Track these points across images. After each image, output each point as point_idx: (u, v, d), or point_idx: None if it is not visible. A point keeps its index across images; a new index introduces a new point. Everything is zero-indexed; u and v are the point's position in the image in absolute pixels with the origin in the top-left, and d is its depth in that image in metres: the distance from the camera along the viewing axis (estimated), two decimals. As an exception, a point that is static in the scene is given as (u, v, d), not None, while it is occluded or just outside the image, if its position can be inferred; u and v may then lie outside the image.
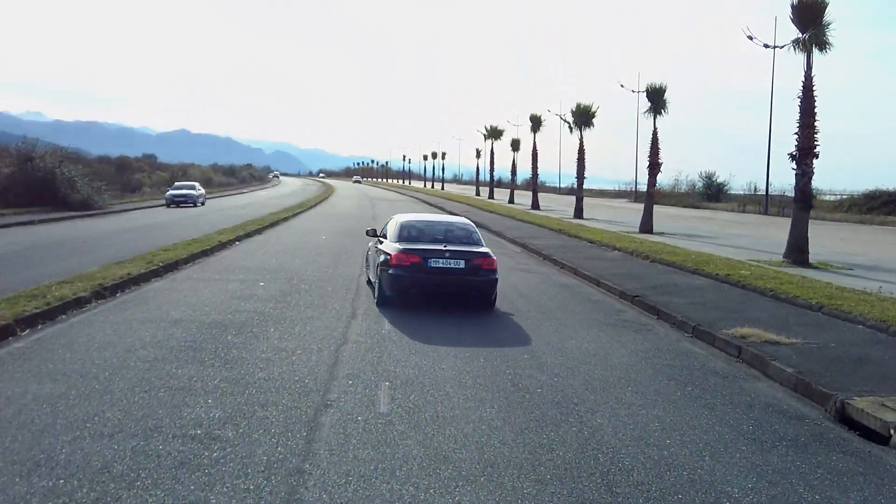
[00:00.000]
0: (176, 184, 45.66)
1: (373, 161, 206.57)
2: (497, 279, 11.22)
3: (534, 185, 46.71)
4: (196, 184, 45.29)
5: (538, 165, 46.56)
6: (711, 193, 70.14)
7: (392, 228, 12.01)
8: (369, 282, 12.93)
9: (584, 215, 36.64)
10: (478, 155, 77.78)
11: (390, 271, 10.85)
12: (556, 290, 14.16)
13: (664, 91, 25.76)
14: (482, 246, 11.55)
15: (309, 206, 43.84)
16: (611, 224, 32.95)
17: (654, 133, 26.01)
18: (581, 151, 36.32)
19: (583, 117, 35.47)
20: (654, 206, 28.06)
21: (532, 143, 46.13)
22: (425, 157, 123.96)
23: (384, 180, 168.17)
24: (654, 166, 26.04)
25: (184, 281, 13.55)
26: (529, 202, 48.34)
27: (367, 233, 13.44)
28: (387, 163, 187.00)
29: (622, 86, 70.72)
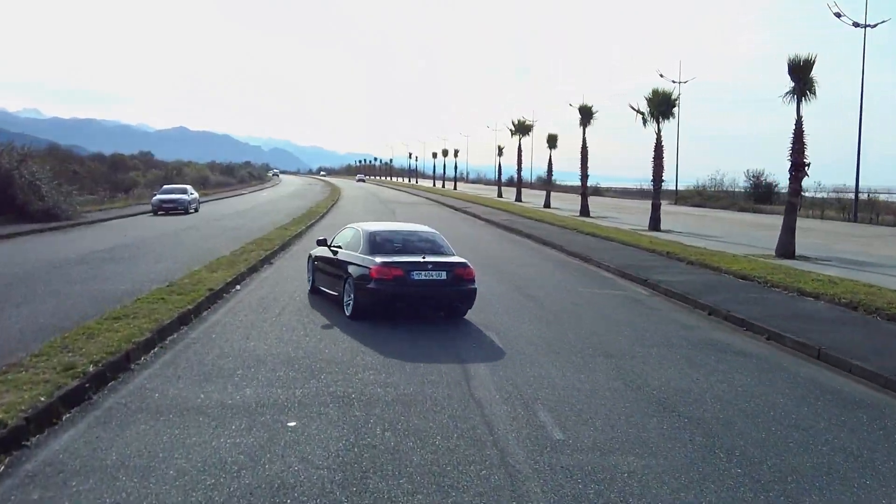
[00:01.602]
0: (164, 187, 38.84)
1: (375, 159, 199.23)
2: (476, 289, 11.25)
3: (583, 187, 39.88)
4: (187, 187, 38.49)
5: (586, 165, 39.63)
6: (760, 194, 63.36)
7: (355, 239, 11.87)
8: (314, 291, 13.08)
9: (661, 226, 29.89)
10: (499, 152, 70.98)
11: (370, 285, 10.62)
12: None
13: (811, 66, 19.04)
14: (455, 255, 11.62)
15: (320, 213, 37.08)
16: (708, 239, 26.21)
17: (799, 124, 19.27)
18: (659, 148, 29.58)
19: (661, 106, 28.76)
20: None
21: (581, 138, 39.26)
22: (434, 155, 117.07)
23: (388, 179, 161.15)
24: (799, 168, 19.28)
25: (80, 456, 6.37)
26: (563, 205, 41.74)
27: (317, 241, 13.08)
28: (391, 160, 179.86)
29: (662, 75, 64.39)
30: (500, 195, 69.05)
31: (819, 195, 51.05)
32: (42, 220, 28.21)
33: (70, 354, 7.54)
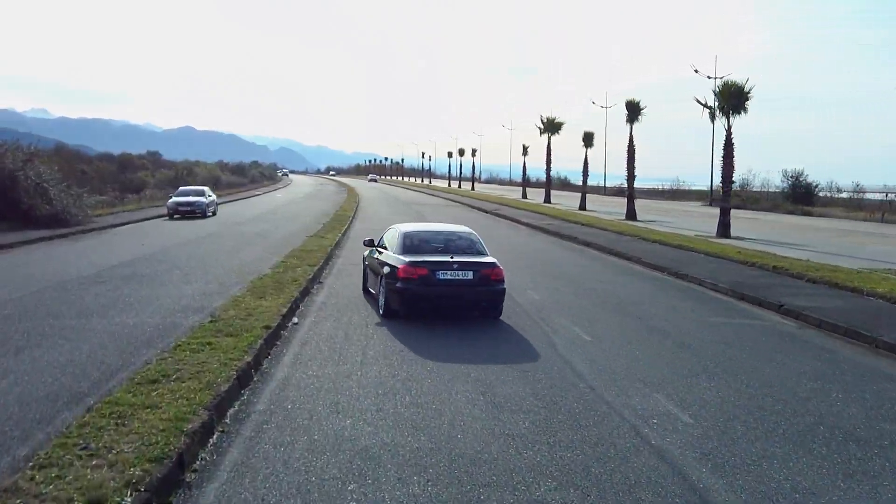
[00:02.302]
0: (180, 188, 36.18)
1: (385, 158, 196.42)
2: (505, 289, 10.97)
3: (630, 189, 37.02)
4: (205, 189, 35.81)
5: (633, 165, 36.75)
6: (799, 195, 60.34)
7: (393, 239, 11.81)
8: (367, 292, 12.91)
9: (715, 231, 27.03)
10: (524, 151, 68.05)
11: (398, 285, 10.56)
12: None
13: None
14: (487, 256, 11.35)
15: (348, 216, 34.37)
16: (795, 248, 23.35)
17: None
18: (729, 145, 26.75)
19: (734, 100, 25.95)
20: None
21: (629, 135, 36.38)
22: (450, 155, 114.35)
23: (400, 179, 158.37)
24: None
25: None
26: (597, 207, 38.98)
27: (364, 242, 13.22)
28: (402, 160, 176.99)
29: (696, 70, 61.48)
30: (524, 196, 66.20)
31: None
32: (50, 225, 25.61)
33: (92, 464, 4.82)
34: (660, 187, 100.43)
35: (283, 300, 11.22)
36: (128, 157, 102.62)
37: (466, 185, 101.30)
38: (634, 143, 36.46)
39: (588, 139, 45.90)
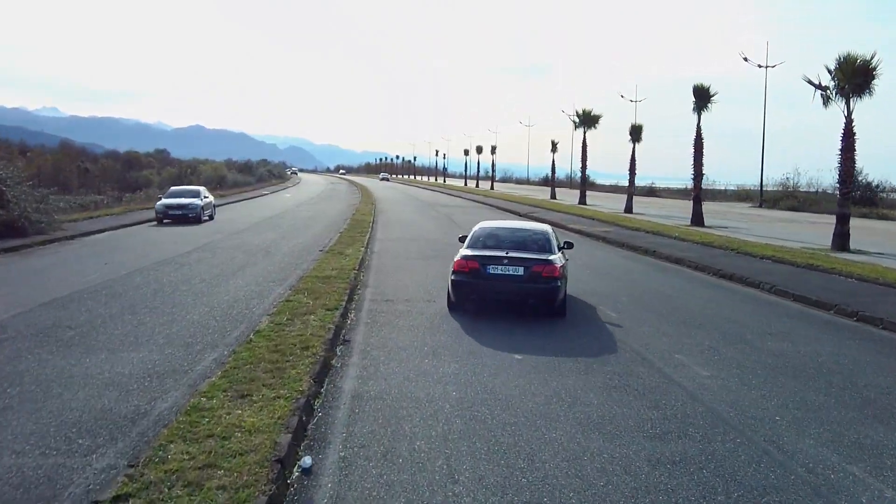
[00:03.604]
0: (171, 189, 31.00)
1: (397, 157, 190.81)
2: (559, 286, 10.64)
3: (697, 189, 31.53)
4: (200, 189, 30.60)
5: (700, 161, 31.21)
6: (862, 196, 54.32)
7: (470, 234, 11.98)
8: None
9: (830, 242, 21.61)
10: (553, 148, 62.62)
11: (453, 277, 10.95)
12: None
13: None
14: (551, 253, 11.12)
15: (367, 222, 29.16)
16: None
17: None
18: (849, 135, 21.28)
19: (857, 78, 20.53)
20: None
21: (696, 126, 30.81)
22: (466, 152, 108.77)
23: (413, 178, 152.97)
24: None
25: None
26: (641, 209, 33.58)
27: (459, 239, 12.74)
28: (414, 158, 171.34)
29: (746, 59, 55.97)
30: (553, 196, 60.71)
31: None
32: (4, 234, 20.62)
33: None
34: (688, 187, 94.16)
35: (281, 413, 5.93)
36: (134, 156, 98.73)
37: (482, 184, 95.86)
38: (702, 135, 30.96)
39: (636, 133, 40.29)
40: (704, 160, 31.02)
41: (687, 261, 18.82)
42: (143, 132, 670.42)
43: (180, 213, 28.46)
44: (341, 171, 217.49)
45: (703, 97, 30.18)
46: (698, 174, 31.22)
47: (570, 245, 12.59)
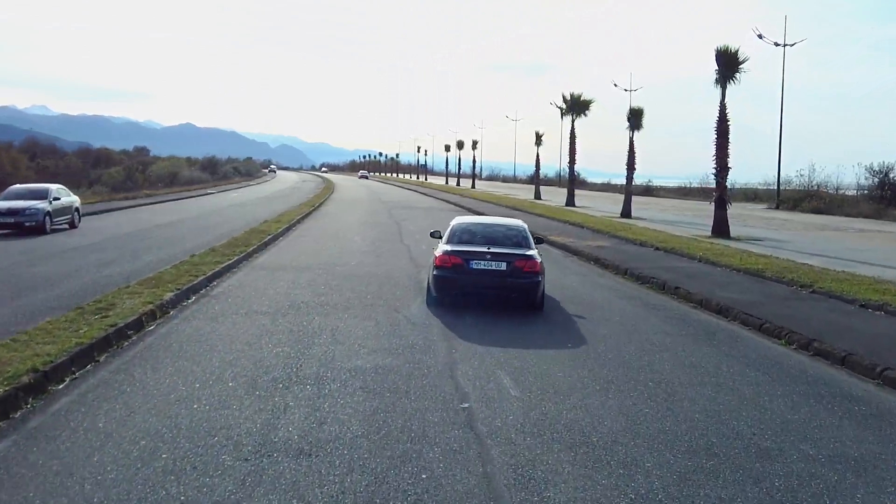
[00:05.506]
0: (9, 189, 23.11)
1: (381, 154, 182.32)
2: (539, 281, 10.89)
3: (721, 189, 23.72)
4: (51, 188, 22.64)
5: (726, 153, 23.42)
6: (887, 196, 46.80)
7: (448, 230, 12.05)
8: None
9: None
10: (538, 141, 54.73)
11: (435, 272, 10.97)
12: None
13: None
14: (529, 249, 11.39)
15: (271, 232, 21.35)
16: None
17: None
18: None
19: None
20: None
21: (720, 105, 22.96)
22: (447, 149, 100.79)
23: (395, 176, 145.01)
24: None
25: None
26: (638, 212, 25.89)
27: (431, 234, 13.37)
28: (397, 155, 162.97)
29: (761, 35, 48.41)
30: (538, 196, 52.86)
31: None
32: None
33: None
34: (687, 185, 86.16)
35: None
36: (105, 153, 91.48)
37: (465, 183, 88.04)
38: (727, 117, 23.10)
39: (636, 118, 32.25)
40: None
41: (738, 311, 11.14)
42: (134, 130, 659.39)
43: (12, 219, 20.71)
44: (323, 168, 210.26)
45: (729, 65, 22.28)
46: (722, 168, 23.39)
47: (540, 240, 12.55)
